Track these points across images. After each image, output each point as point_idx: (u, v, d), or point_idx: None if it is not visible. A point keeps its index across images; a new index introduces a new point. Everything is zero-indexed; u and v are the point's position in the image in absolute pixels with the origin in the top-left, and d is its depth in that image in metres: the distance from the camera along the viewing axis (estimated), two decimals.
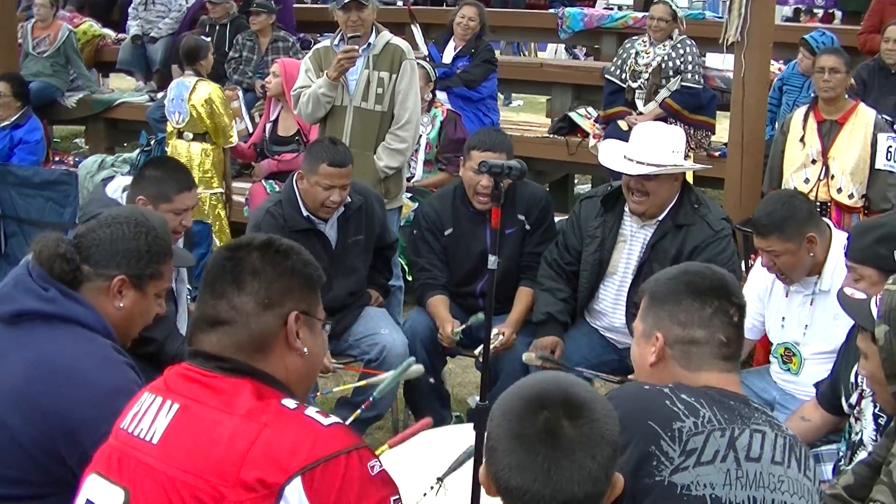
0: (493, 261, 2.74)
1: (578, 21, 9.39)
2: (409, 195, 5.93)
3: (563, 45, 13.11)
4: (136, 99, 9.24)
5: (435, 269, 4.46)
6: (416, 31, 8.55)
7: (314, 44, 6.73)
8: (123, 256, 2.47)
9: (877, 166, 5.22)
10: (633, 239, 4.12)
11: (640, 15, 8.92)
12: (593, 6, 10.92)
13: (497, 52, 8.03)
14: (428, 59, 7.16)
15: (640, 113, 6.83)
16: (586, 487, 1.57)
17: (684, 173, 4.19)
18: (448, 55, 7.45)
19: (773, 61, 6.49)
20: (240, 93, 7.51)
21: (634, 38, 7.25)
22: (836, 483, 2.71)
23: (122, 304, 2.46)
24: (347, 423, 2.07)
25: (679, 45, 6.88)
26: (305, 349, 1.92)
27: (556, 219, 4.59)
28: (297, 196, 4.22)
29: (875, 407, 2.85)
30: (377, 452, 3.15)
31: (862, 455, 2.81)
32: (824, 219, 3.97)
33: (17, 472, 2.22)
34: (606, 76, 7.18)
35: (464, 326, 4.21)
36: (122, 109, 9.20)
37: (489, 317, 2.81)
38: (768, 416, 2.07)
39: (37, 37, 8.99)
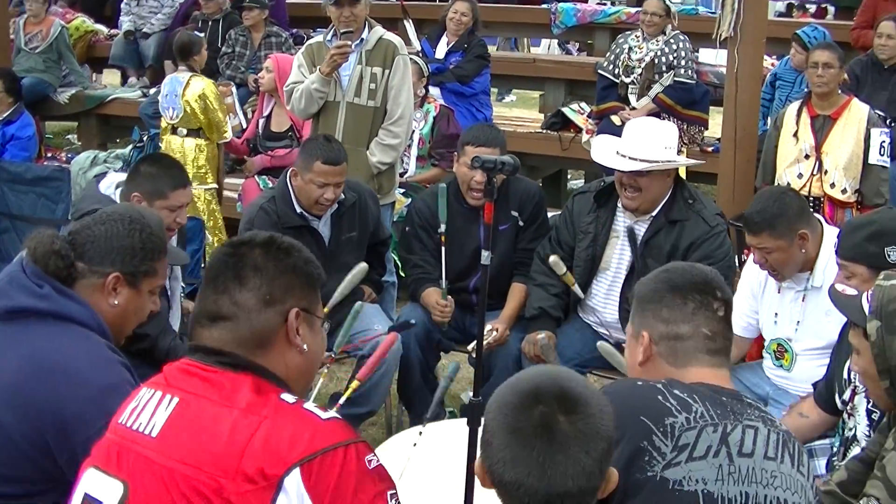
0: (486, 256, 2.74)
1: (571, 16, 9.38)
2: (402, 191, 5.93)
3: (556, 41, 13.10)
4: (129, 95, 9.21)
5: (428, 266, 4.46)
6: (409, 27, 8.53)
7: (307, 39, 6.72)
8: (118, 254, 2.47)
9: (870, 161, 5.23)
10: (626, 235, 4.13)
11: (633, 10, 8.91)
12: (586, 1, 10.91)
13: (493, 48, 8.02)
14: (421, 54, 7.14)
15: (633, 108, 6.83)
16: (580, 482, 1.58)
17: (677, 169, 4.19)
18: (441, 50, 7.45)
19: (765, 56, 6.50)
20: (233, 88, 7.50)
21: (627, 33, 7.24)
22: (829, 479, 2.72)
23: (116, 302, 2.46)
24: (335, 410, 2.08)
25: (672, 41, 6.88)
26: (305, 346, 1.94)
27: (549, 214, 4.59)
28: (291, 193, 4.22)
29: (868, 402, 2.86)
30: (348, 388, 3.20)
31: (855, 451, 2.82)
32: (816, 215, 3.97)
33: (11, 469, 2.22)
34: (599, 71, 7.18)
35: (447, 320, 4.28)
36: (115, 105, 9.17)
37: (482, 312, 2.81)
38: (761, 411, 2.08)
39: (29, 32, 8.95)
